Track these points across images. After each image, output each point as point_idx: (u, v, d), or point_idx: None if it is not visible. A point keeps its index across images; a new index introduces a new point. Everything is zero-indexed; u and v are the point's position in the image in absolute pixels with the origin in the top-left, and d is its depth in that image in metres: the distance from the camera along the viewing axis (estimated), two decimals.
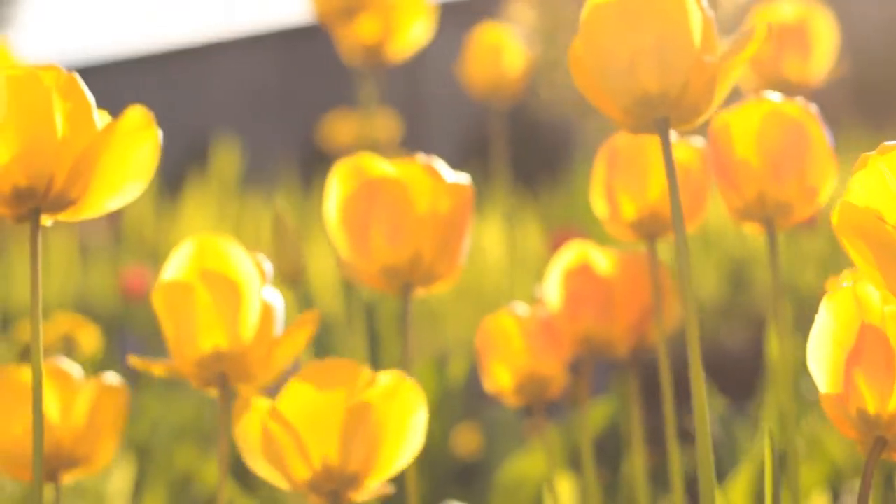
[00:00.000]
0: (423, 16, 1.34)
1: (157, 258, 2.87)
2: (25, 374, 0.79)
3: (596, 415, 1.26)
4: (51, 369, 0.79)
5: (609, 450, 1.28)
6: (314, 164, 4.48)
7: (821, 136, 0.70)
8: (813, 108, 0.70)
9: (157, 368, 0.74)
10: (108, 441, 0.80)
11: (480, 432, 1.34)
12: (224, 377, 0.71)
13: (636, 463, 1.20)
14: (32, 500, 0.58)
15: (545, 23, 2.66)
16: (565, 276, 0.85)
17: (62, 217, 0.64)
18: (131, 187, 0.64)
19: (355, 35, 1.33)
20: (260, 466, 0.66)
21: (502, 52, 1.58)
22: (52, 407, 0.78)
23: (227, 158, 3.08)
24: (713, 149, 0.70)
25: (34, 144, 0.61)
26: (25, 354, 1.30)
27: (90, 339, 1.41)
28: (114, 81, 5.98)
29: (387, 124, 3.53)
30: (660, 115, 0.61)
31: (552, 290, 0.86)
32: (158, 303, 0.73)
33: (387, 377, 0.65)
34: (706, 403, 0.61)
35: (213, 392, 0.73)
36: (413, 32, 1.34)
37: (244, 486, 1.25)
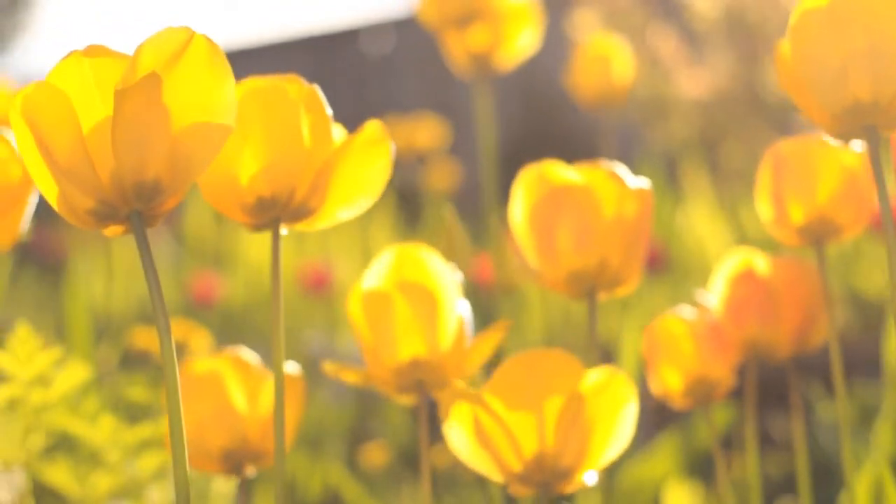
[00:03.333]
0: (531, 25, 1.35)
1: (218, 264, 2.90)
2: (204, 365, 0.78)
3: (716, 419, 1.27)
4: (233, 360, 0.78)
5: (730, 454, 1.29)
6: None
7: None
8: None
9: (349, 375, 0.75)
10: (290, 432, 0.79)
11: None
12: (422, 384, 0.73)
13: (750, 466, 1.21)
14: (279, 500, 0.60)
15: (610, 28, 2.67)
16: (730, 281, 0.87)
17: (298, 227, 0.65)
18: (363, 199, 0.66)
19: (465, 44, 1.34)
20: (470, 457, 0.67)
21: (610, 61, 1.59)
22: (238, 398, 0.77)
23: None
24: None
25: (281, 156, 0.63)
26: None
27: (201, 343, 1.43)
28: None
29: (431, 130, 3.55)
30: (869, 123, 0.62)
31: (717, 295, 0.87)
32: (356, 311, 0.74)
33: (598, 371, 0.66)
34: None
35: (407, 399, 0.74)
36: (521, 41, 1.36)
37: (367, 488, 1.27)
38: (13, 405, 0.87)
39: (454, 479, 1.36)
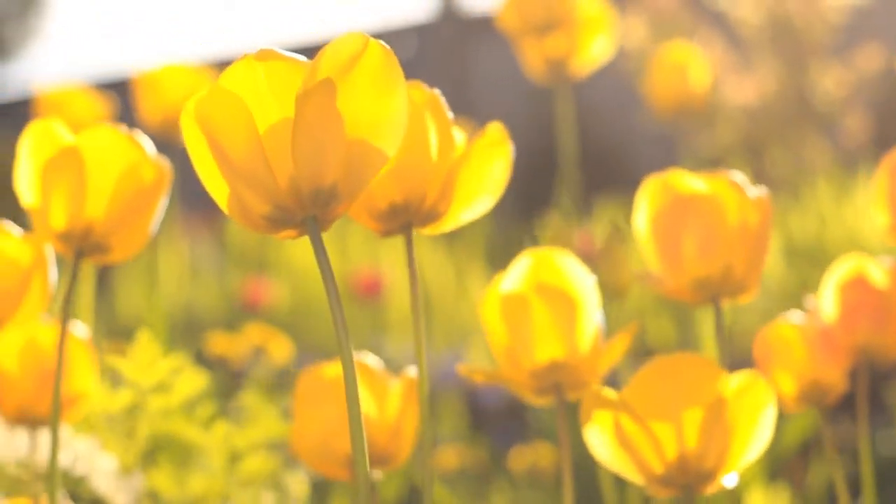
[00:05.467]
0: (606, 32, 1.36)
1: (261, 270, 2.91)
2: (330, 372, 0.79)
3: (797, 425, 1.28)
4: (359, 367, 0.79)
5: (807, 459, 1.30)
6: None
7: None
8: None
9: (480, 377, 0.76)
10: (411, 436, 0.80)
11: None
12: (559, 386, 0.73)
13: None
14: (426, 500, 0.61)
15: (657, 37, 2.67)
16: (841, 287, 0.87)
17: (425, 231, 0.66)
18: (486, 200, 0.67)
19: (543, 51, 1.35)
20: (610, 459, 0.67)
21: (688, 69, 1.60)
22: (367, 404, 0.78)
23: None
24: None
25: (412, 162, 0.64)
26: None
27: (280, 349, 1.44)
28: None
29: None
30: None
31: (828, 301, 0.88)
32: (491, 314, 0.74)
33: (738, 375, 0.66)
34: None
35: (542, 401, 0.75)
36: (596, 48, 1.36)
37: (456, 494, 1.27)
38: (132, 411, 0.88)
39: (534, 481, 1.36)
